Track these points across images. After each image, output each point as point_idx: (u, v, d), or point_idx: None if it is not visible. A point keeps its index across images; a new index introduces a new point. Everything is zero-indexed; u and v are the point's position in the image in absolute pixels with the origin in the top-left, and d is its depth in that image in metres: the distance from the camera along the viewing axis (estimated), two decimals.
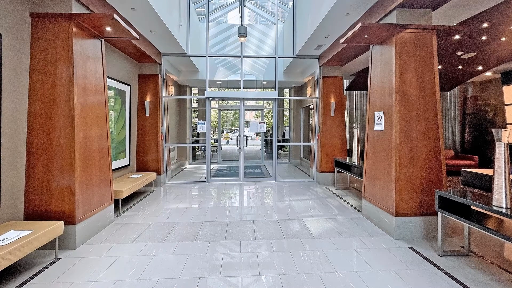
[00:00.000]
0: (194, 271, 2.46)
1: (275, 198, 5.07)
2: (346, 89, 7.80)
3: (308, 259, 2.69)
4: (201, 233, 3.35)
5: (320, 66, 6.28)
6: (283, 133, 11.27)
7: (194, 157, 10.12)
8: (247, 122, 14.15)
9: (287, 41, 6.90)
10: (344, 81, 7.55)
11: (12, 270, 2.44)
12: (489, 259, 2.69)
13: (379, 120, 3.59)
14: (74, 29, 2.95)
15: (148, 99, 5.73)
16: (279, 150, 11.31)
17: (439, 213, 2.79)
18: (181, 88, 9.08)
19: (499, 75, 7.15)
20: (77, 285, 2.25)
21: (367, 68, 6.19)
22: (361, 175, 4.57)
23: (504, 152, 2.29)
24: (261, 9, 8.25)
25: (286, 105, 10.85)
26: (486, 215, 2.55)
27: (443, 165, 3.23)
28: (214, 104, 10.09)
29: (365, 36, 3.51)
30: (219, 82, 9.05)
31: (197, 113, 10.81)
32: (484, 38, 4.44)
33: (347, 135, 7.88)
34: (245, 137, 6.65)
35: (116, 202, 4.22)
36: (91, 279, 2.34)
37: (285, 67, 7.71)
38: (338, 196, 5.14)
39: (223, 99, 7.61)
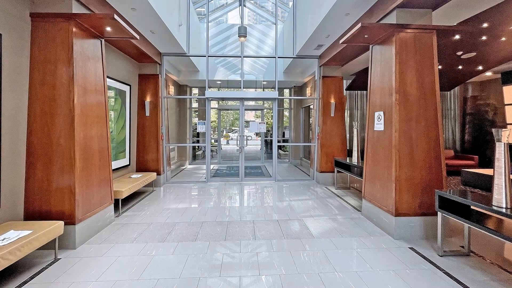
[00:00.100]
0: (194, 271, 2.46)
1: (275, 198, 5.07)
2: (346, 89, 7.80)
3: (308, 259, 2.69)
4: (201, 233, 3.35)
5: (320, 66, 6.28)
6: (283, 133, 11.27)
7: (194, 157, 10.12)
8: (247, 122, 14.15)
9: (287, 41, 6.90)
10: (344, 81, 7.55)
11: (12, 270, 2.44)
12: (489, 259, 2.69)
13: (379, 120, 3.59)
14: (74, 29, 2.95)
15: (148, 99, 5.73)
16: (279, 150, 11.31)
17: (439, 213, 2.79)
18: (181, 88, 9.08)
19: (499, 75, 7.15)
20: (77, 285, 2.25)
21: (367, 68, 6.19)
22: (361, 175, 4.57)
23: (504, 152, 2.29)
24: (261, 9, 8.25)
25: (286, 105, 10.85)
26: (486, 215, 2.55)
27: (443, 165, 3.23)
28: (214, 104, 10.10)
29: (365, 36, 3.51)
30: (219, 82, 9.05)
31: (197, 113, 10.81)
32: (484, 38, 4.44)
33: (347, 135, 7.88)
34: (245, 137, 6.65)
35: (116, 202, 4.22)
36: (91, 279, 2.34)
37: (285, 67, 7.71)
38: (338, 196, 5.14)
39: (223, 99, 7.61)
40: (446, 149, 7.96)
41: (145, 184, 4.91)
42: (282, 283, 2.29)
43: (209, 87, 9.59)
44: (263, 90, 9.73)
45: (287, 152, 10.48)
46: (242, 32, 5.69)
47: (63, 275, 2.40)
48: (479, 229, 2.36)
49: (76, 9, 3.00)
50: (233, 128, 23.24)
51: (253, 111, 18.53)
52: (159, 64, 5.87)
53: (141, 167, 5.70)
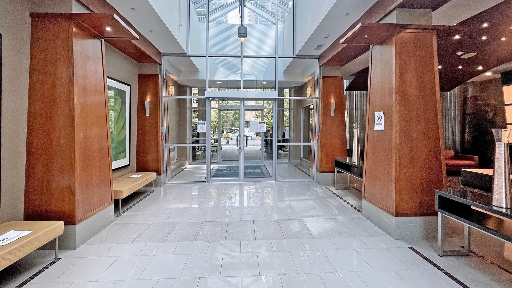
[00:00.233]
0: (194, 271, 2.46)
1: (275, 198, 5.07)
2: (346, 89, 7.80)
3: (308, 259, 2.69)
4: (201, 233, 3.35)
5: (320, 66, 6.28)
6: (283, 133, 11.27)
7: (194, 157, 10.12)
8: (247, 122, 14.16)
9: (287, 41, 6.90)
10: (344, 81, 7.55)
11: (12, 270, 2.44)
12: (489, 259, 2.69)
13: (379, 120, 3.59)
14: (74, 29, 2.95)
15: (148, 99, 5.73)
16: (279, 150, 11.31)
17: (439, 213, 2.79)
18: (181, 88, 9.08)
19: (499, 75, 7.15)
20: (77, 285, 2.25)
21: (367, 68, 6.19)
22: (361, 175, 4.57)
23: (504, 152, 2.29)
24: (261, 9, 8.25)
25: (286, 105, 10.85)
26: (486, 215, 2.55)
27: (443, 165, 3.23)
28: (214, 104, 10.10)
29: (365, 36, 3.51)
30: (219, 82, 9.05)
31: (197, 113, 10.81)
32: (484, 38, 4.44)
33: (347, 135, 7.88)
34: (245, 137, 6.65)
35: (116, 202, 4.22)
36: (91, 279, 2.34)
37: (285, 67, 7.71)
38: (338, 196, 5.14)
39: (223, 99, 7.61)
40: (446, 149, 7.96)
41: (145, 184, 4.91)
42: (282, 283, 2.29)
43: (209, 87, 9.59)
44: (263, 90, 9.73)
45: (287, 152, 10.48)
46: (242, 32, 5.69)
47: (63, 275, 2.40)
48: (479, 229, 2.36)
49: (76, 9, 3.00)
50: (233, 128, 23.24)
51: (253, 111, 18.54)
52: (159, 64, 5.87)
53: (141, 167, 5.70)
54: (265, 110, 11.31)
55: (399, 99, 3.25)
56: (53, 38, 2.93)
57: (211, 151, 10.91)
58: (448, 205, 2.76)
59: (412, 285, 2.26)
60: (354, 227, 3.57)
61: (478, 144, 7.90)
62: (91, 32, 3.28)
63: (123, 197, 3.99)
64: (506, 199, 2.24)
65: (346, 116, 8.00)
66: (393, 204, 3.21)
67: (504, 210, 2.17)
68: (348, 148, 7.56)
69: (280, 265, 2.57)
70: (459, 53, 5.19)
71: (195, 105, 10.55)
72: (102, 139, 3.46)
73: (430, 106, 3.27)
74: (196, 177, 7.07)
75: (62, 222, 2.75)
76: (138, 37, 3.55)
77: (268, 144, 10.96)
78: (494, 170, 2.36)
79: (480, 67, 6.10)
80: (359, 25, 3.22)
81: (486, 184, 5.33)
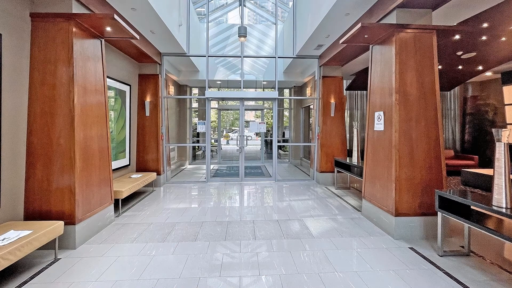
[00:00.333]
0: (194, 271, 2.46)
1: (275, 198, 5.07)
2: (346, 89, 7.80)
3: (308, 259, 2.69)
4: (201, 233, 3.35)
5: (320, 66, 6.28)
6: (283, 133, 11.27)
7: (194, 157, 10.12)
8: (247, 122, 14.16)
9: (287, 41, 6.90)
10: (344, 81, 7.55)
11: (12, 270, 2.44)
12: (489, 259, 2.69)
13: (379, 120, 3.59)
14: (74, 29, 2.95)
15: (148, 99, 5.73)
16: (279, 150, 11.31)
17: (439, 213, 2.79)
18: (181, 88, 9.08)
19: (499, 75, 7.15)
20: (77, 285, 2.25)
21: (367, 68, 6.19)
22: (361, 175, 4.57)
23: (504, 152, 2.29)
24: (261, 9, 8.25)
25: (286, 105, 10.85)
26: (486, 215, 2.55)
27: (443, 165, 3.23)
28: (214, 104, 10.10)
29: (365, 36, 3.51)
30: (219, 82, 9.05)
31: (197, 113, 10.81)
32: (484, 38, 4.44)
33: (347, 135, 7.88)
34: (245, 137, 6.65)
35: (116, 202, 4.22)
36: (91, 279, 2.34)
37: (285, 67, 7.71)
38: (338, 196, 5.14)
39: (223, 99, 7.61)
40: (446, 149, 7.96)
41: (145, 184, 4.91)
42: (282, 283, 2.29)
43: (209, 87, 9.59)
44: (263, 90, 9.73)
45: (287, 152, 10.48)
46: (242, 32, 5.69)
47: (63, 275, 2.40)
48: (479, 229, 2.36)
49: (76, 9, 3.00)
50: (233, 128, 23.24)
51: (253, 111, 18.54)
52: (159, 64, 5.87)
53: (141, 167, 5.70)
54: (265, 110, 11.31)
55: (399, 99, 3.25)
56: (53, 38, 2.93)
57: (211, 151, 10.92)
58: (448, 205, 2.76)
59: (412, 285, 2.26)
60: (354, 227, 3.57)
61: (478, 144, 7.90)
62: (91, 32, 3.28)
63: (123, 197, 3.99)
64: (506, 199, 2.24)
65: (346, 116, 8.00)
66: (393, 204, 3.21)
67: (504, 210, 2.17)
68: (348, 148, 7.56)
69: (280, 265, 2.57)
70: (459, 53, 5.19)
71: (195, 105, 10.55)
72: (102, 139, 3.46)
73: (430, 106, 3.27)
74: (196, 177, 7.07)
75: (62, 222, 2.75)
76: (138, 37, 3.55)
77: (268, 144, 10.96)
78: (494, 170, 2.36)
79: (480, 67, 6.10)
80: (359, 25, 3.22)
81: (486, 184, 5.33)
